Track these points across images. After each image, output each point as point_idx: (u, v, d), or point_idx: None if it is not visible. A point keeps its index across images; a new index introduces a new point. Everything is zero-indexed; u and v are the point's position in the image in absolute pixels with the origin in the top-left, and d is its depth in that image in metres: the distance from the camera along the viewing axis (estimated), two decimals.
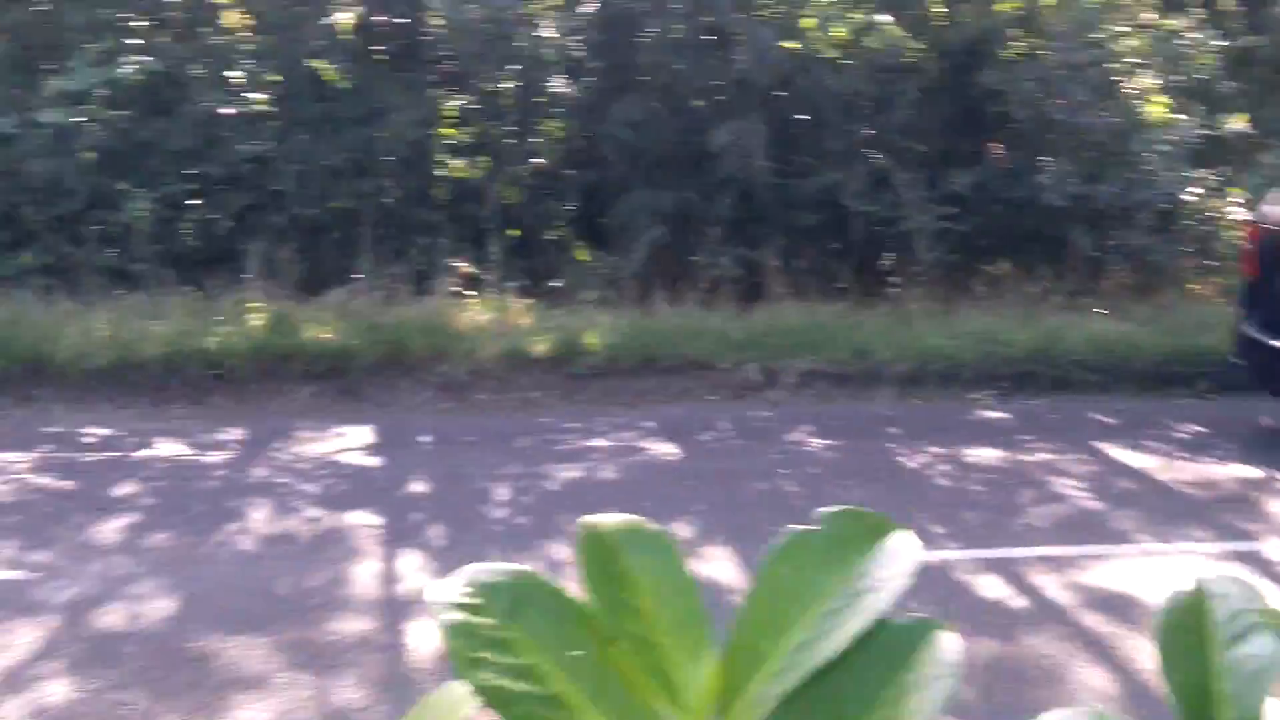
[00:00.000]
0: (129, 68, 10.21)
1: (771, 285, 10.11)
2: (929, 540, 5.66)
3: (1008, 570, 5.43)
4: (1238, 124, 11.29)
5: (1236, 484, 6.65)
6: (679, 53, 10.78)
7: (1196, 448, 7.35)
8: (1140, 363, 8.91)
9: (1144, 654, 4.53)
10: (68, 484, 6.41)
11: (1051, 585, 5.29)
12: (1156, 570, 5.42)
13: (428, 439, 7.45)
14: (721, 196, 10.63)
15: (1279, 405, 7.93)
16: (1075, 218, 10.63)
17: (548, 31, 10.79)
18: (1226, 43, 12.10)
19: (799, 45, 10.63)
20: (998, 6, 11.31)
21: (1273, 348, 7.07)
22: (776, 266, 10.38)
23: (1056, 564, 5.53)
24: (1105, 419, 8.08)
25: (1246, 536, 5.85)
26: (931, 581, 5.28)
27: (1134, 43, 11.42)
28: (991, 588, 5.26)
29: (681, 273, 10.20)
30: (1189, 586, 0.81)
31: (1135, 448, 7.34)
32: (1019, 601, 5.12)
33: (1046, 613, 5.01)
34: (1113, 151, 10.68)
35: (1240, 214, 10.60)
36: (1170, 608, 0.80)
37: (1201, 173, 10.88)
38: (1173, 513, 6.19)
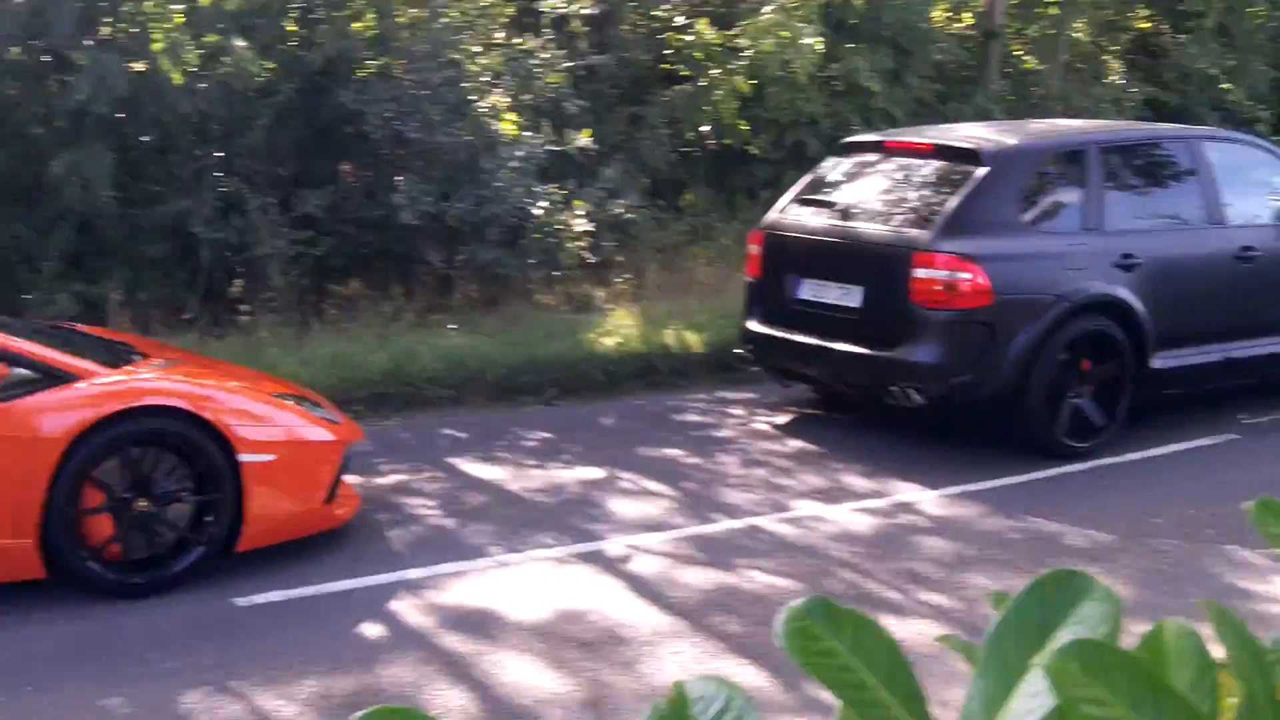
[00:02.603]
0: None
1: (115, 320, 10.63)
2: (271, 580, 6.63)
3: (366, 601, 6.52)
4: (582, 140, 13.43)
5: (581, 486, 8.27)
6: (14, 77, 11.04)
7: (544, 454, 8.94)
8: (492, 375, 10.43)
9: (503, 669, 5.79)
10: None
11: (410, 610, 6.44)
12: (511, 581, 6.77)
13: None
14: (59, 230, 11.00)
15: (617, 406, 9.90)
16: (428, 235, 12.17)
17: None
18: (573, 62, 14.32)
19: (147, 68, 11.22)
20: (354, 27, 12.60)
21: (772, 336, 9.57)
22: (119, 300, 10.91)
23: (414, 587, 6.70)
24: (458, 434, 9.47)
25: (591, 537, 7.41)
26: (284, 622, 6.25)
27: (487, 62, 13.26)
28: (346, 621, 6.30)
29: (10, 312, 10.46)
30: (670, 693, 1.05)
31: (487, 460, 8.78)
32: (377, 631, 6.21)
33: (407, 639, 6.13)
34: (465, 169, 12.36)
35: (583, 225, 12.76)
36: (655, 715, 1.03)
37: (549, 187, 12.83)
38: (524, 521, 7.63)
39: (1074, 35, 19.50)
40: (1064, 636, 1.02)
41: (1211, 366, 9.63)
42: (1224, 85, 19.40)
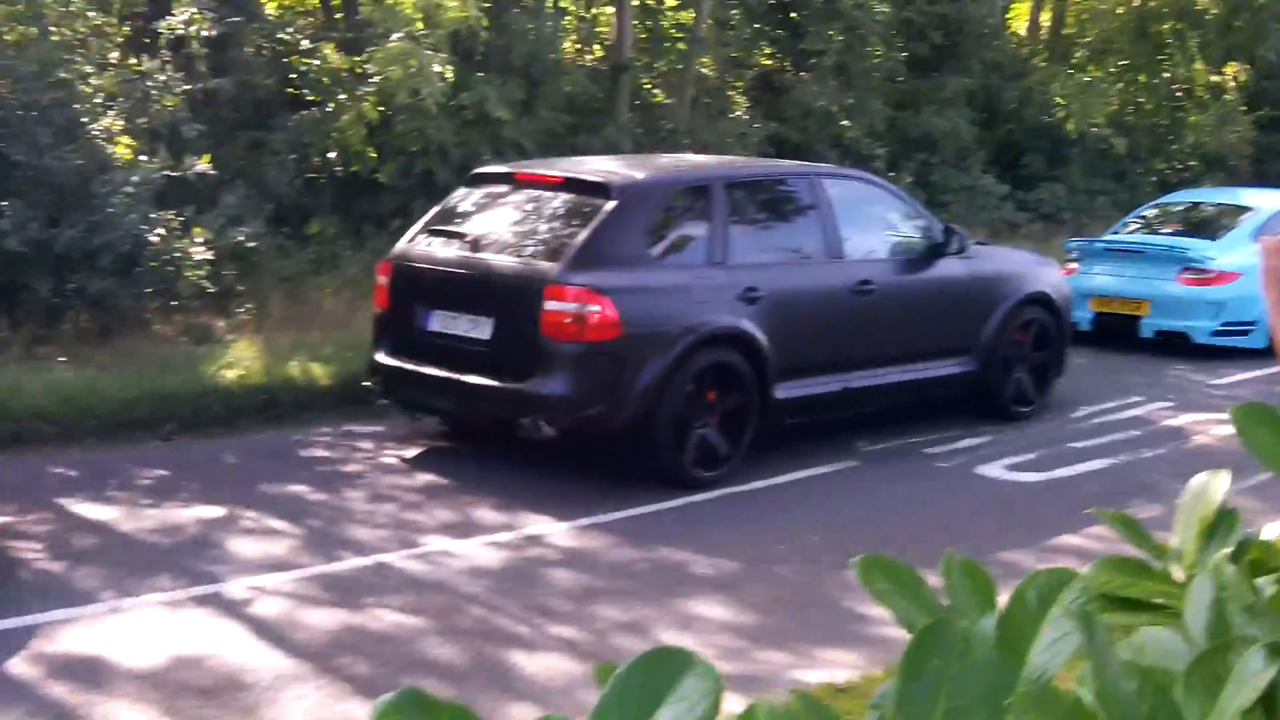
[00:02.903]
0: None
1: None
2: None
3: None
4: (201, 165, 13.13)
5: (200, 525, 8.07)
6: None
7: (161, 493, 8.68)
8: (104, 410, 10.05)
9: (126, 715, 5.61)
10: None
11: (16, 661, 6.15)
12: (124, 627, 6.56)
13: None
14: None
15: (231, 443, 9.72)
16: (36, 263, 11.64)
17: None
18: (191, 85, 13.99)
19: None
20: None
21: (401, 368, 9.52)
22: None
23: (19, 636, 6.41)
24: (68, 472, 9.09)
25: (211, 579, 7.24)
26: None
27: (100, 83, 12.82)
28: None
29: None
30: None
31: (99, 500, 8.46)
32: None
33: (12, 693, 5.84)
34: (76, 193, 11.90)
35: (203, 253, 12.49)
36: None
37: (166, 214, 12.48)
38: (138, 564, 7.40)
39: (701, 71, 20.24)
40: (664, 716, 1.06)
41: (832, 396, 10.14)
42: (843, 123, 20.49)
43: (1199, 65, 25.82)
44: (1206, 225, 15.10)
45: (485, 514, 8.52)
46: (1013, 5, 26.70)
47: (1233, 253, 13.81)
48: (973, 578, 1.45)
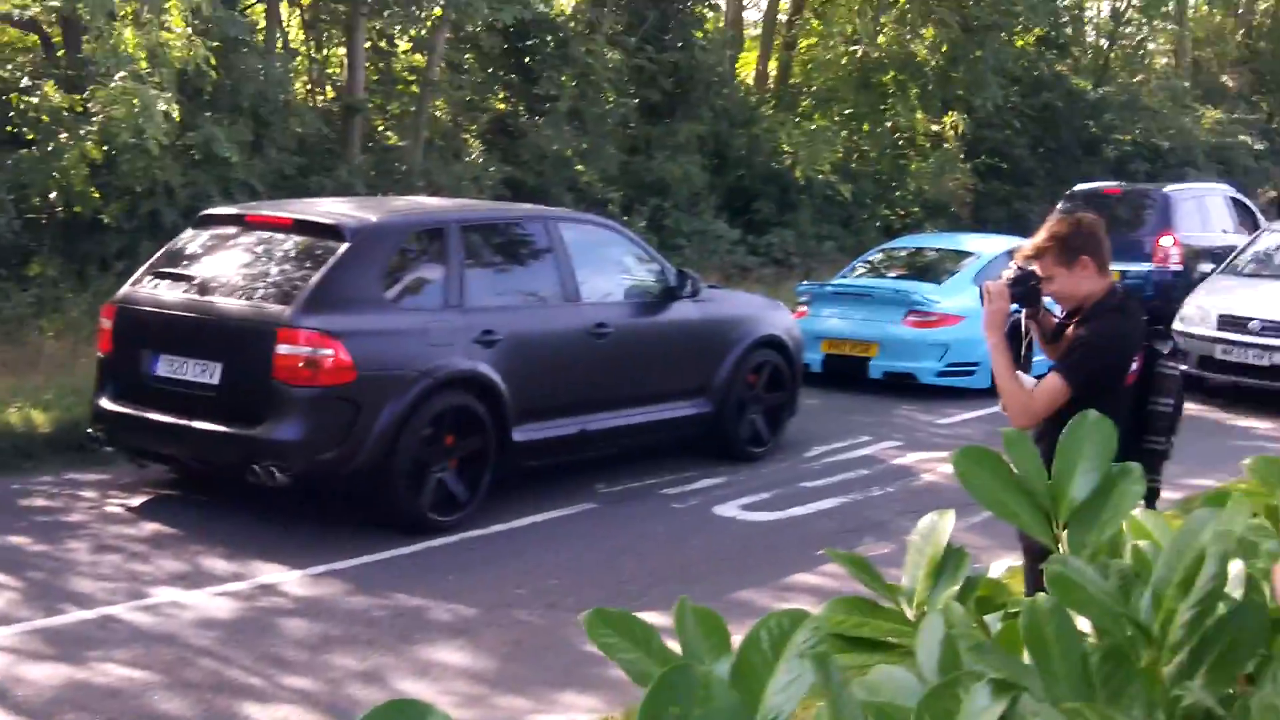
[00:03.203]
0: None
1: None
2: None
3: None
4: None
5: None
6: None
7: None
8: None
9: None
10: None
11: None
12: None
13: None
14: None
15: None
16: None
17: None
18: None
19: None
20: None
21: (126, 414, 9.31)
22: None
23: None
24: None
25: None
26: None
27: None
28: None
29: None
30: None
31: None
32: None
33: None
34: None
35: None
36: None
37: None
38: None
39: (434, 113, 20.31)
40: None
41: (570, 438, 10.28)
42: (578, 167, 20.79)
43: (920, 114, 26.98)
44: (930, 269, 15.77)
45: (215, 563, 8.39)
46: (740, 55, 27.52)
47: (956, 296, 14.45)
48: (705, 622, 1.52)
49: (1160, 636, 1.58)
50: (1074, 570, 1.65)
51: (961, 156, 26.74)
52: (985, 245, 16.20)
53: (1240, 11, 39.21)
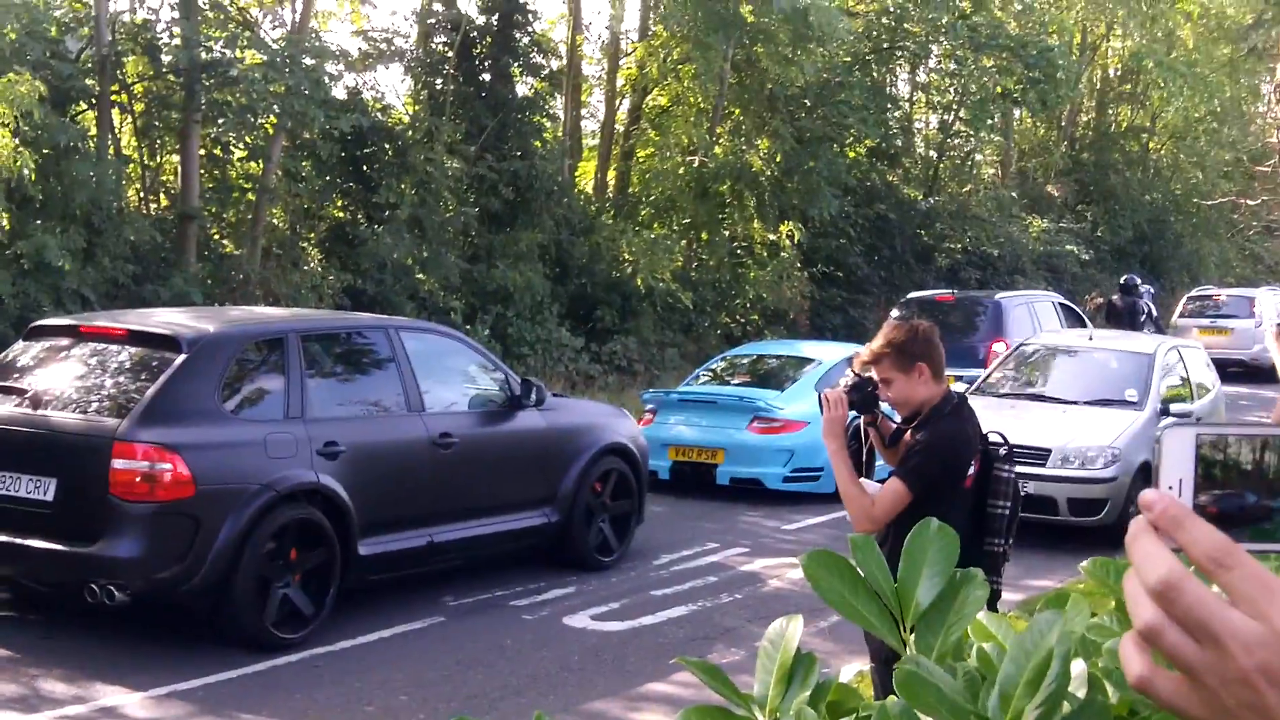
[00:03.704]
0: None
1: None
2: None
3: None
4: None
5: None
6: None
7: None
8: None
9: None
10: None
11: None
12: None
13: None
14: None
15: None
16: None
17: None
18: None
19: None
20: None
21: None
22: None
23: None
24: None
25: None
26: None
27: None
28: None
29: None
30: None
31: None
32: None
33: None
34: None
35: None
36: None
37: None
38: None
39: (271, 221, 20.21)
40: None
41: (418, 550, 10.20)
42: (419, 275, 20.80)
43: (756, 224, 27.50)
44: (773, 376, 16.03)
45: (54, 686, 8.14)
46: (580, 164, 27.85)
47: (798, 402, 14.69)
48: None
49: None
50: (925, 671, 1.68)
51: (798, 265, 27.27)
52: (825, 352, 16.55)
53: (1063, 124, 40.75)
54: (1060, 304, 21.53)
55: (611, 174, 28.12)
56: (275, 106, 18.37)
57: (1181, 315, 29.06)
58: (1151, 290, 23.89)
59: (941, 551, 1.96)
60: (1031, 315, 20.09)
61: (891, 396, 5.60)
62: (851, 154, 30.11)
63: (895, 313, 20.05)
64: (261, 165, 19.94)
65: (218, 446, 9.08)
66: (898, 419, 5.79)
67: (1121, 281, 22.93)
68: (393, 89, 23.22)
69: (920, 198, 32.52)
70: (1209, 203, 42.98)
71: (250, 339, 9.94)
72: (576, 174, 27.65)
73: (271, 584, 9.07)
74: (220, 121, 18.88)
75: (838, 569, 1.88)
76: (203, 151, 19.53)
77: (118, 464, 8.63)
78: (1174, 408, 13.72)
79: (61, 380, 9.47)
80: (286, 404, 9.59)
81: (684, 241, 26.78)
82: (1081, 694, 1.68)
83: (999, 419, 11.08)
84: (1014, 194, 36.16)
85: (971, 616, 1.91)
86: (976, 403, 13.89)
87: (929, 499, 5.08)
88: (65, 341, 9.85)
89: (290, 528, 9.23)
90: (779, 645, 1.87)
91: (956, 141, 35.79)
